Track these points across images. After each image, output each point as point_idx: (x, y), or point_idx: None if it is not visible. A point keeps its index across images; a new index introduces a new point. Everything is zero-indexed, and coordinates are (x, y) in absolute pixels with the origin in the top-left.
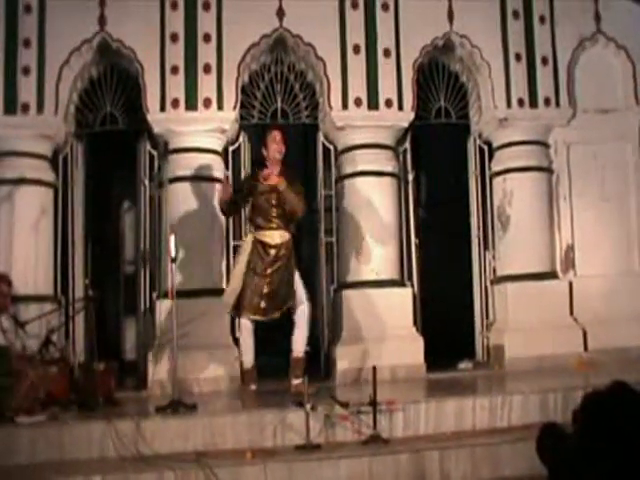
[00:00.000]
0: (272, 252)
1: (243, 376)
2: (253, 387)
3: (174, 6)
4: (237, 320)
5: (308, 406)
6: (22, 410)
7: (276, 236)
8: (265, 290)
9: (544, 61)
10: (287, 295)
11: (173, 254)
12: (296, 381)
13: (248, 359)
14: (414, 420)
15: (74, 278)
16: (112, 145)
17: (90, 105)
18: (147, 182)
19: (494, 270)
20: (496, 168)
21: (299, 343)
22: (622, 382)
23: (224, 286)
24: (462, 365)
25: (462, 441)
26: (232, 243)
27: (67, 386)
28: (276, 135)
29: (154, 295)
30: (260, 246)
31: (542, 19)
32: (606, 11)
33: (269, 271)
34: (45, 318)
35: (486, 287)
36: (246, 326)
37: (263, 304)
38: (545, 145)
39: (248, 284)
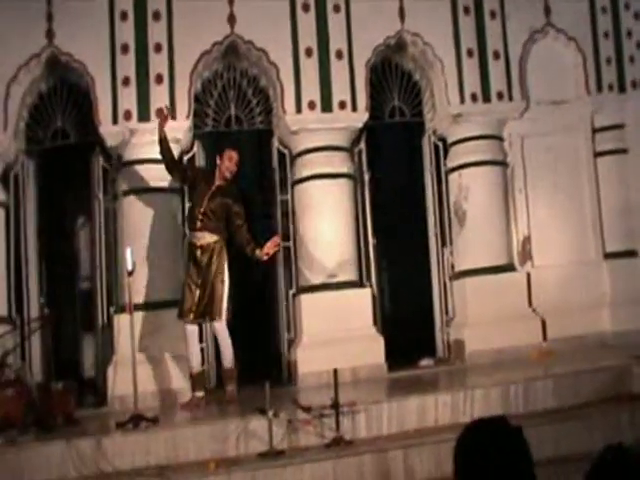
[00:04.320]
0: (198, 254)
1: (192, 383)
2: (199, 394)
3: (124, 17)
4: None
5: (270, 412)
6: None
7: (205, 237)
8: (197, 294)
9: (496, 55)
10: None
11: (130, 267)
12: (229, 388)
13: (194, 364)
14: (377, 420)
15: (29, 297)
16: (64, 161)
17: (40, 121)
18: (101, 196)
19: (452, 266)
20: (451, 164)
21: (226, 355)
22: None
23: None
24: (423, 362)
25: (425, 438)
26: None
27: (24, 408)
28: (232, 156)
29: (111, 310)
30: (192, 248)
31: (493, 14)
32: (555, 4)
33: (197, 275)
34: None
35: (445, 283)
36: (189, 331)
37: (194, 308)
38: (499, 139)
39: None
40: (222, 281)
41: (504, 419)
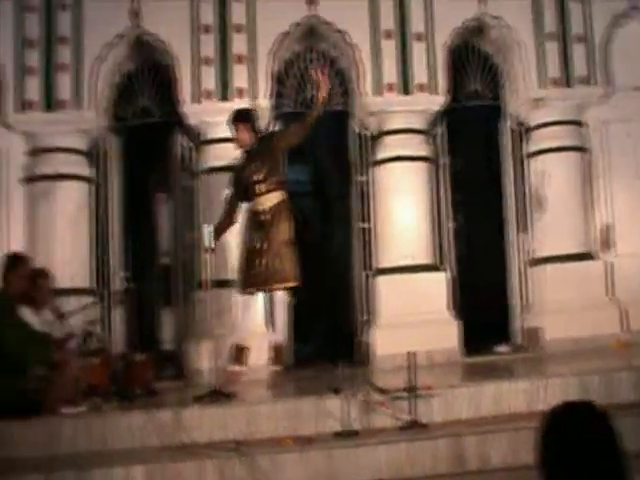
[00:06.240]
0: (262, 219)
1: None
2: (242, 368)
3: None
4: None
5: (346, 393)
6: (65, 401)
7: (267, 200)
8: (263, 262)
9: (578, 39)
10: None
11: (207, 244)
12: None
13: (243, 337)
14: (452, 405)
15: (113, 271)
16: (147, 138)
17: (125, 99)
18: (181, 174)
19: (530, 252)
20: (531, 149)
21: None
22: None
23: None
24: (499, 348)
25: (501, 425)
26: None
27: (107, 377)
28: (235, 126)
29: (190, 286)
30: (254, 215)
31: None
32: None
33: (261, 243)
34: (85, 311)
35: (523, 269)
36: (248, 302)
37: (259, 278)
38: (580, 124)
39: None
40: (289, 243)
41: (591, 404)
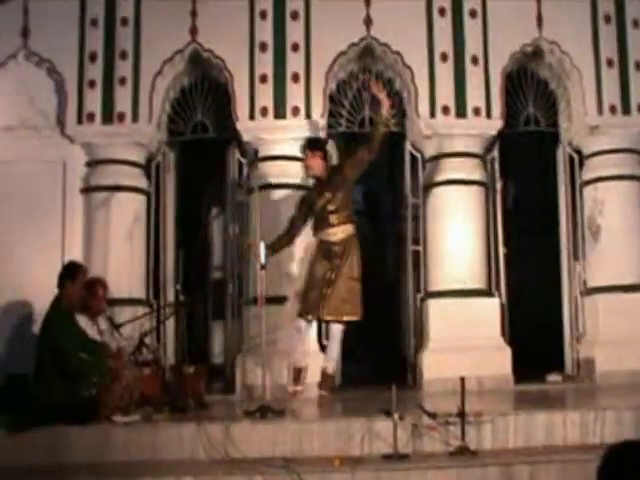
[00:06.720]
0: (333, 250)
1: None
2: (298, 388)
3: (263, 16)
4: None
5: (396, 415)
6: (118, 409)
7: (338, 232)
8: (327, 292)
9: (637, 66)
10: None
11: (263, 261)
12: (324, 393)
13: (300, 359)
14: (502, 433)
15: (165, 283)
16: (202, 153)
17: (182, 114)
18: (236, 189)
19: (584, 281)
20: (587, 177)
21: (333, 358)
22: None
23: None
24: (551, 377)
25: (553, 456)
26: None
27: (159, 388)
28: (306, 153)
29: (242, 301)
30: (324, 245)
31: (635, 23)
32: None
33: (329, 273)
34: (139, 321)
35: (576, 298)
36: (304, 327)
37: (321, 306)
38: (638, 153)
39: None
40: (356, 278)
41: None
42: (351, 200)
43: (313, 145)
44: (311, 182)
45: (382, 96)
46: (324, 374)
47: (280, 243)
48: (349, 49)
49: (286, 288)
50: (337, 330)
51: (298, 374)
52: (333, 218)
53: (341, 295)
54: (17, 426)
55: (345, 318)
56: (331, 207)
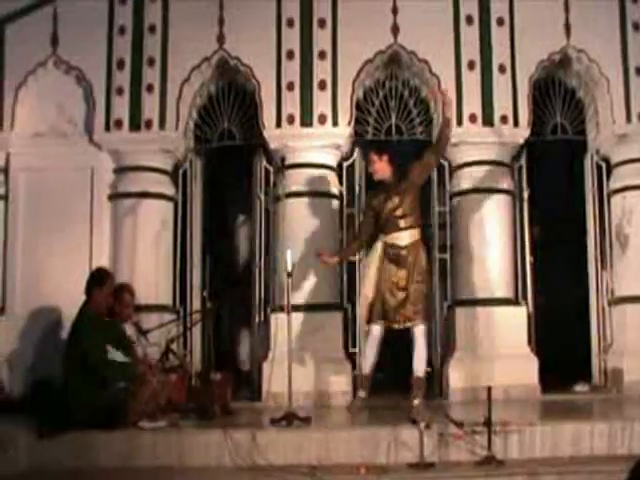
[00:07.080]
0: (401, 254)
1: (360, 383)
2: (362, 394)
3: (290, 24)
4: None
5: (422, 424)
6: (145, 415)
7: (406, 237)
8: (399, 297)
9: None
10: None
11: (289, 268)
12: (415, 401)
13: (367, 366)
14: (529, 443)
15: (192, 290)
16: (229, 160)
17: (208, 121)
18: (262, 196)
19: (612, 290)
20: (614, 185)
21: (417, 363)
22: None
23: (338, 300)
24: (578, 388)
25: (580, 467)
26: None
27: (186, 394)
28: (370, 156)
29: (269, 308)
30: (392, 250)
31: None
32: None
33: (398, 278)
34: (165, 327)
35: (603, 308)
36: (374, 334)
37: (392, 312)
38: None
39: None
40: (424, 282)
41: None
42: (418, 204)
43: (379, 149)
44: (335, 190)
45: (447, 100)
46: (416, 379)
47: (350, 250)
48: (376, 57)
49: (312, 296)
50: (420, 332)
51: (365, 381)
52: (402, 222)
53: (416, 301)
54: (46, 431)
55: (422, 326)
56: (399, 212)
